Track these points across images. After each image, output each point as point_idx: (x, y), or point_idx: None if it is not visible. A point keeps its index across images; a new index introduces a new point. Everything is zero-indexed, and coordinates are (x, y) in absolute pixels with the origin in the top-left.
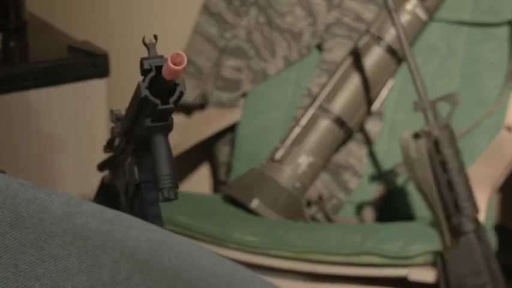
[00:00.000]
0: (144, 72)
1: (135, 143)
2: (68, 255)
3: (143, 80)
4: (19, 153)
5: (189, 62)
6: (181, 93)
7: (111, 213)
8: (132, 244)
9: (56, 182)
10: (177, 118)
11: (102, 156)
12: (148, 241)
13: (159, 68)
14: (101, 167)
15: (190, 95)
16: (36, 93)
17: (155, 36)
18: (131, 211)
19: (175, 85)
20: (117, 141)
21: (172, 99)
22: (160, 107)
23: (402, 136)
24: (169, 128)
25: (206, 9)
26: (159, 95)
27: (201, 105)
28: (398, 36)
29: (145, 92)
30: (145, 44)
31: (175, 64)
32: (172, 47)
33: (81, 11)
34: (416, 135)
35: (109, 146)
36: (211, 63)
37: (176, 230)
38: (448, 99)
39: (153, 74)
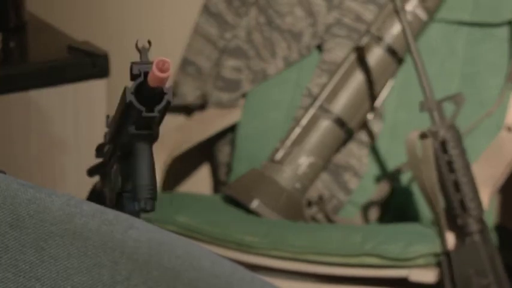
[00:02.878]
0: (134, 77)
1: (120, 150)
2: (68, 256)
3: (132, 83)
4: (19, 153)
5: (189, 62)
6: (168, 103)
7: (111, 213)
8: (132, 244)
9: (56, 182)
10: (177, 118)
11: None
12: (148, 241)
13: (147, 74)
14: (91, 172)
15: (190, 96)
16: (36, 93)
17: (149, 42)
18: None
19: (163, 94)
20: (106, 148)
21: (157, 107)
22: (145, 114)
23: (408, 136)
24: (153, 137)
25: (206, 10)
26: (145, 102)
27: (201, 106)
28: (405, 37)
29: (130, 98)
30: (138, 49)
31: (160, 71)
32: (172, 47)
33: (81, 11)
34: (422, 135)
35: (98, 151)
36: (211, 64)
37: (176, 230)
38: (453, 100)
39: (141, 79)
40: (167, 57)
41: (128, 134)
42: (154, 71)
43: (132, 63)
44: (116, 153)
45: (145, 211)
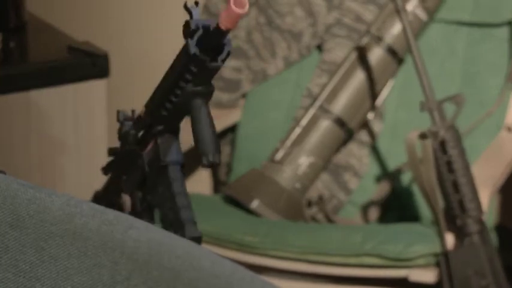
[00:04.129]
0: (191, 32)
1: (163, 122)
2: (68, 256)
3: (191, 38)
4: (19, 153)
5: None
6: (229, 53)
7: (111, 213)
8: (132, 244)
9: (56, 182)
10: None
11: (102, 156)
12: (148, 241)
13: (206, 28)
14: (106, 169)
15: None
16: (36, 93)
17: (196, 3)
18: (148, 203)
19: (223, 45)
20: (130, 136)
21: (221, 57)
22: (210, 64)
23: (408, 136)
24: (210, 94)
25: (206, 10)
26: (207, 54)
27: None
28: (406, 37)
29: (194, 50)
30: (187, 8)
31: (239, 6)
32: (172, 47)
33: (81, 11)
34: (422, 136)
35: (123, 142)
36: None
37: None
38: (453, 100)
39: (200, 32)
40: (167, 58)
41: (184, 93)
42: (232, 7)
43: (188, 21)
44: (154, 130)
45: (214, 164)
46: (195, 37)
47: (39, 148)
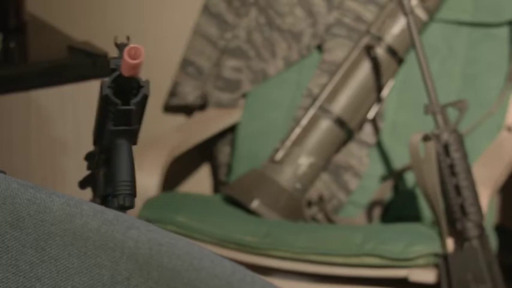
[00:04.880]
0: (111, 71)
1: (102, 152)
2: (68, 256)
3: (109, 78)
4: (19, 153)
5: (189, 62)
6: (145, 96)
7: (111, 213)
8: (133, 244)
9: (56, 182)
10: (177, 118)
11: None
12: (148, 241)
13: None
14: (82, 184)
15: (190, 96)
16: (36, 93)
17: (128, 38)
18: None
19: (140, 87)
20: (95, 156)
21: (134, 100)
22: (120, 107)
23: (412, 138)
24: (132, 133)
25: (206, 10)
26: (122, 96)
27: (201, 106)
28: (412, 41)
29: (106, 91)
30: (116, 45)
31: (131, 57)
32: (172, 47)
33: (81, 11)
34: (425, 137)
35: (88, 160)
36: (211, 64)
37: (176, 230)
38: (457, 106)
39: (117, 73)
40: (167, 58)
41: (107, 131)
42: (126, 58)
43: (109, 58)
44: (101, 157)
45: (125, 208)
46: (110, 78)
47: (39, 148)
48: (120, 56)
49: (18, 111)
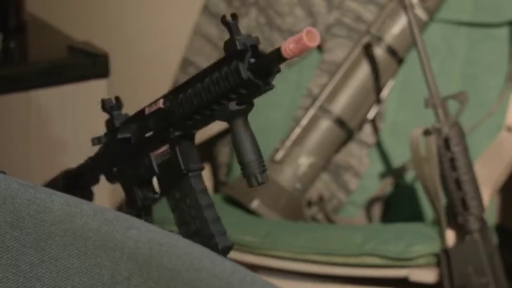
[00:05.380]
0: (239, 53)
1: (185, 129)
2: (68, 256)
3: (241, 61)
4: (19, 153)
5: (190, 62)
6: (279, 71)
7: (111, 213)
8: (133, 244)
9: None
10: None
11: None
12: (148, 241)
13: (254, 47)
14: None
15: None
16: (36, 93)
17: (234, 14)
18: (150, 201)
19: (279, 60)
20: (131, 131)
21: (272, 79)
22: (264, 88)
23: (412, 133)
24: (250, 110)
25: (206, 10)
26: (257, 75)
27: None
28: (412, 33)
29: (247, 74)
30: (225, 23)
31: (311, 41)
32: (172, 47)
33: (81, 11)
34: (426, 132)
35: (111, 134)
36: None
37: (176, 230)
38: (457, 98)
39: (249, 54)
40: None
41: (224, 110)
42: (304, 40)
43: (231, 39)
44: (172, 134)
45: (260, 184)
46: (246, 60)
47: (39, 148)
48: (241, 36)
49: (18, 111)
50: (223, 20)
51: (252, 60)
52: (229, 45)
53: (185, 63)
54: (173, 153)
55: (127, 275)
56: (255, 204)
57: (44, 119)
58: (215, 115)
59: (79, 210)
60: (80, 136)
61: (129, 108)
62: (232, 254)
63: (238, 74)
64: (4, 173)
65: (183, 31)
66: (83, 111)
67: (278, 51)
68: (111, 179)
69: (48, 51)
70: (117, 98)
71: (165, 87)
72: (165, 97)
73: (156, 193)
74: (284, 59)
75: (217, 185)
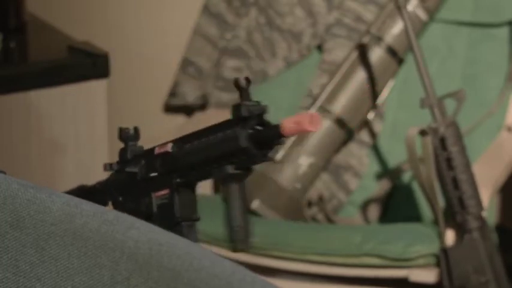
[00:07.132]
0: (242, 119)
1: (185, 178)
2: (68, 256)
3: (242, 127)
4: (19, 153)
5: (190, 62)
6: (279, 145)
7: (111, 213)
8: (133, 244)
9: (56, 183)
10: (177, 118)
11: (102, 156)
12: (148, 241)
13: (260, 116)
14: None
15: (190, 96)
16: (36, 93)
17: (247, 79)
18: None
19: (279, 137)
20: (139, 167)
21: (271, 153)
22: (259, 159)
23: (408, 133)
24: (248, 175)
25: (206, 10)
26: (257, 146)
27: (202, 106)
28: (407, 32)
29: (245, 144)
30: (239, 87)
31: (313, 126)
32: (172, 47)
33: (81, 11)
34: (422, 132)
35: (122, 166)
36: (211, 64)
37: None
38: (454, 96)
39: (254, 122)
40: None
41: (222, 171)
42: (306, 126)
43: (239, 105)
44: (174, 180)
45: (242, 251)
46: (247, 128)
47: (39, 148)
48: (250, 102)
49: (18, 111)
50: (236, 83)
51: (251, 131)
52: (236, 109)
53: (185, 63)
54: (171, 198)
55: (127, 275)
56: (255, 204)
57: (44, 119)
58: (213, 173)
59: (79, 210)
60: (80, 136)
61: (129, 108)
62: (232, 254)
63: (237, 141)
64: (4, 173)
65: (183, 31)
66: (83, 111)
67: (277, 128)
68: (116, 207)
69: (48, 51)
70: (136, 129)
71: (165, 87)
72: (175, 142)
73: None
74: (282, 136)
75: (217, 185)
